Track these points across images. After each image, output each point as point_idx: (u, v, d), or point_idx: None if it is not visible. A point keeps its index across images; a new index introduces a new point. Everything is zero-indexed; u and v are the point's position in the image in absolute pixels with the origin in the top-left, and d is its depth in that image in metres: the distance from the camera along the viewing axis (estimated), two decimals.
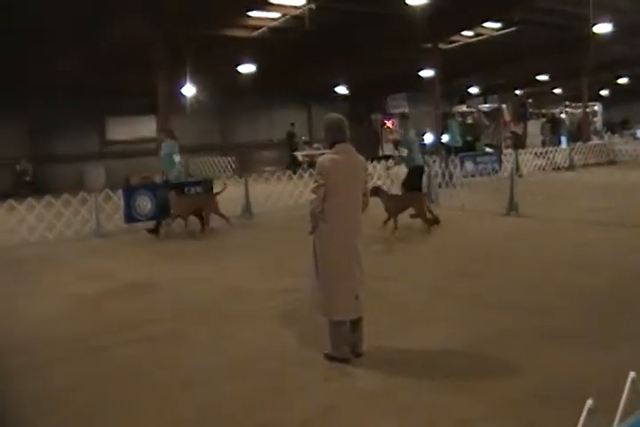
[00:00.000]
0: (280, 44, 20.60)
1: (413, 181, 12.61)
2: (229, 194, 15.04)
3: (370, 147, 28.05)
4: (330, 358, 5.35)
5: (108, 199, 13.77)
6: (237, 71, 22.59)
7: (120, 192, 13.73)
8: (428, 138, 25.98)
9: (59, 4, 14.55)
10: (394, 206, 11.35)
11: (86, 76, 20.48)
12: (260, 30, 20.10)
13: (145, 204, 13.59)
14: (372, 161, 17.21)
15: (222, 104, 29.28)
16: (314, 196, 5.29)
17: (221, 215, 12.81)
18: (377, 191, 11.30)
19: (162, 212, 12.62)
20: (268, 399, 4.74)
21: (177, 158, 12.65)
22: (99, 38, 17.61)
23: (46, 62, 19.32)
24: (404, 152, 12.53)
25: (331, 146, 5.44)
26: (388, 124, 31.45)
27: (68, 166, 25.24)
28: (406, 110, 32.13)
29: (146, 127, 26.67)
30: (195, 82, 22.60)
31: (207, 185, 14.64)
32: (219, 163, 27.46)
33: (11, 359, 5.95)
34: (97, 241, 12.49)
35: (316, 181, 5.31)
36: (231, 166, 26.94)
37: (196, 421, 4.49)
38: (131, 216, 13.41)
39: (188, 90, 23.06)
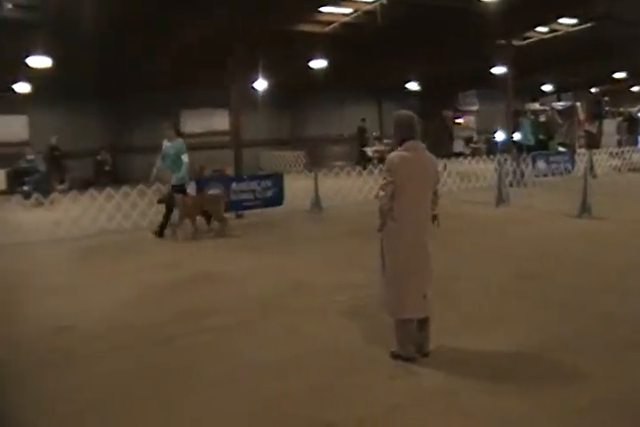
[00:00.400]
0: (352, 40, 20.50)
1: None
2: (299, 188, 15.13)
3: (440, 144, 27.73)
4: (395, 356, 5.30)
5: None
6: (309, 66, 22.61)
7: (193, 183, 13.94)
8: (500, 136, 25.50)
9: (143, 2, 14.90)
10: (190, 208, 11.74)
11: (164, 69, 20.86)
12: (331, 26, 20.06)
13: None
14: (445, 158, 17.05)
15: (293, 99, 29.38)
16: (382, 193, 5.23)
17: (222, 219, 12.13)
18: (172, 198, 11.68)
19: (166, 213, 11.95)
20: (332, 396, 4.72)
21: (185, 158, 11.72)
22: (179, 33, 17.89)
23: (128, 57, 19.79)
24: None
25: (400, 143, 5.37)
26: (459, 121, 31.04)
27: (145, 157, 25.75)
28: (477, 107, 31.70)
29: (219, 120, 27.07)
30: (267, 76, 22.78)
31: (277, 179, 14.73)
32: (289, 157, 27.62)
33: (80, 344, 6.15)
34: (169, 231, 12.71)
35: (384, 179, 5.25)
36: (301, 161, 27.03)
37: (260, 416, 4.50)
38: None
39: (260, 84, 23.25)
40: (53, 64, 17.73)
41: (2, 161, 22.46)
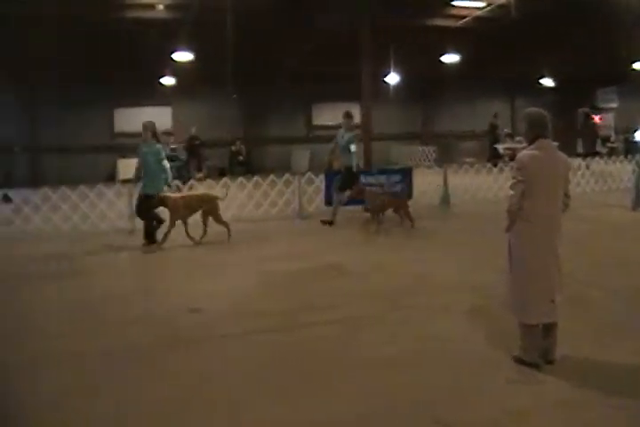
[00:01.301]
0: (484, 34, 19.98)
1: (345, 181, 12.29)
2: (428, 183, 14.92)
3: (570, 142, 26.46)
4: (518, 361, 5.09)
5: (311, 182, 14.16)
6: (440, 61, 22.26)
7: (322, 176, 14.07)
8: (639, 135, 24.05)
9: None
10: (378, 206, 11.60)
11: (296, 63, 21.17)
12: (464, 20, 19.62)
13: None
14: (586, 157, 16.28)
15: (425, 93, 29.02)
16: (511, 192, 5.02)
17: (221, 221, 10.97)
18: (362, 192, 11.71)
19: (146, 217, 10.68)
20: (449, 397, 4.60)
21: (167, 165, 10.58)
22: (311, 26, 18.10)
23: (263, 51, 20.25)
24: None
25: (531, 141, 5.14)
26: (596, 119, 29.50)
27: (277, 148, 26.38)
28: (616, 105, 29.94)
29: None
30: (398, 70, 22.60)
31: (406, 174, 14.59)
32: (418, 152, 27.32)
33: (206, 327, 6.34)
34: (298, 222, 12.92)
35: (514, 178, 5.03)
36: (431, 156, 26.68)
37: (374, 412, 4.42)
38: (331, 200, 13.67)
39: (392, 78, 23.10)
40: (195, 58, 18.42)
41: None
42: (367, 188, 12.28)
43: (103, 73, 21.22)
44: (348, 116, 12.72)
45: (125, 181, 16.76)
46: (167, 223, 10.55)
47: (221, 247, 10.53)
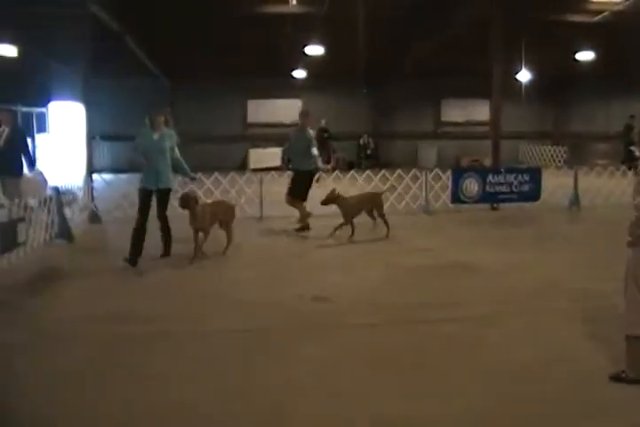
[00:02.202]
0: (624, 30, 18.87)
1: (296, 186, 11.27)
2: (558, 185, 14.38)
3: None
4: (618, 379, 4.64)
5: (438, 178, 13.99)
6: (574, 58, 21.32)
7: (449, 172, 13.89)
8: None
9: None
10: (353, 210, 10.41)
11: (427, 57, 20.91)
12: (601, 15, 18.63)
13: (472, 186, 13.55)
14: None
15: (557, 91, 27.87)
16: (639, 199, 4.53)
17: (229, 233, 9.41)
18: (335, 198, 10.39)
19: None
20: (573, 411, 4.32)
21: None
22: (444, 21, 17.81)
23: (392, 46, 20.17)
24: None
25: None
26: None
27: (404, 143, 26.24)
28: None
29: (479, 110, 26.61)
30: (530, 67, 21.85)
31: (535, 174, 14.13)
32: (549, 152, 26.36)
33: (331, 315, 6.41)
34: (424, 218, 12.81)
35: None
36: (562, 156, 25.67)
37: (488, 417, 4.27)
38: (457, 197, 13.49)
39: (524, 75, 22.37)
40: (326, 52, 18.61)
41: (278, 140, 24.18)
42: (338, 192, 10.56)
43: (238, 65, 21.82)
44: (306, 114, 11.42)
45: (256, 170, 17.30)
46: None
47: (345, 240, 10.61)
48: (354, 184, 13.94)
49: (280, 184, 14.08)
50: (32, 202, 9.72)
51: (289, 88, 24.55)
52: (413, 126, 26.60)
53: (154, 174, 8.58)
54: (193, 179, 9.78)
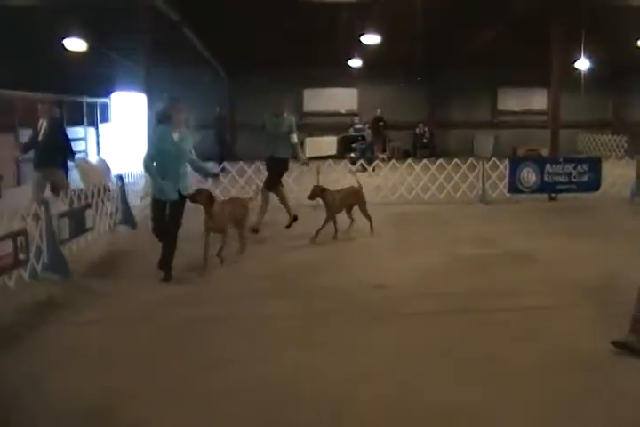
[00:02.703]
0: None
1: (271, 175, 10.38)
2: (618, 175, 14.04)
3: None
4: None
5: (495, 168, 13.82)
6: (636, 46, 20.68)
7: (506, 162, 13.71)
8: None
9: None
10: (339, 205, 9.63)
11: (484, 45, 20.57)
12: None
13: (530, 176, 13.35)
14: None
15: (616, 79, 27.04)
16: None
17: (243, 233, 8.55)
18: (322, 192, 9.51)
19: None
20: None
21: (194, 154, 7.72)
22: (501, 8, 17.49)
23: (451, 35, 19.92)
24: None
25: None
26: None
27: (460, 132, 25.94)
28: None
29: (536, 99, 26.16)
30: (590, 55, 21.28)
31: (595, 164, 13.83)
32: (609, 141, 25.69)
33: (389, 302, 6.44)
34: (481, 207, 12.69)
35: None
36: (622, 146, 24.98)
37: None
38: (514, 186, 13.31)
39: (582, 63, 21.81)
40: (382, 41, 18.50)
41: (334, 129, 24.27)
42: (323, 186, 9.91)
43: (294, 55, 21.87)
44: (288, 101, 10.59)
45: (312, 159, 17.37)
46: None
47: (407, 226, 10.59)
48: (410, 173, 13.88)
49: (337, 172, 14.19)
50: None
51: (345, 77, 24.50)
52: (469, 115, 26.26)
53: (172, 183, 7.24)
54: (216, 175, 8.90)
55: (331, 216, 9.53)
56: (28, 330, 5.72)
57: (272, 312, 6.17)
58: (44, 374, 4.73)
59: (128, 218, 10.69)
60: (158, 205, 7.40)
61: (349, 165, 15.81)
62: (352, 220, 10.13)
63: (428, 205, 12.75)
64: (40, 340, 5.48)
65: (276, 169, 10.30)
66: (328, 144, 24.18)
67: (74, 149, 11.14)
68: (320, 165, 13.37)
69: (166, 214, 7.36)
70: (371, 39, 18.64)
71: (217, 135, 21.57)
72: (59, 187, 10.07)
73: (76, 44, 17.23)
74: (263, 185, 10.49)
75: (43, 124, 10.34)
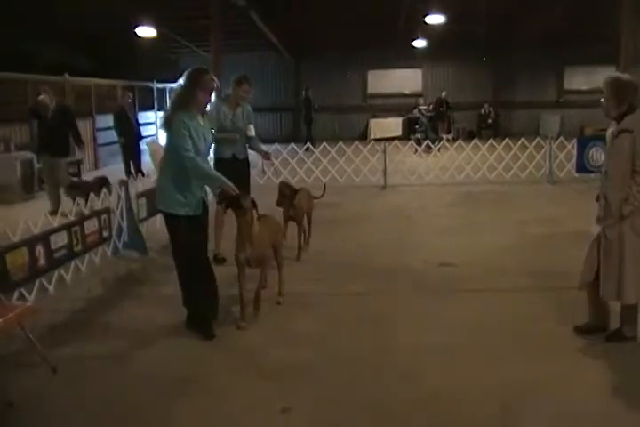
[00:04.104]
0: None
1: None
2: None
3: None
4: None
5: (562, 147, 13.52)
6: None
7: (574, 141, 13.40)
8: None
9: None
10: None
11: (550, 24, 20.01)
12: None
13: (598, 155, 12.97)
14: None
15: None
16: None
17: (280, 263, 6.12)
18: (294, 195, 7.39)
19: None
20: None
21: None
22: None
23: (516, 13, 19.48)
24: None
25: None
26: None
27: (526, 112, 25.37)
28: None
29: (602, 78, 25.29)
30: None
31: None
32: None
33: (456, 281, 6.45)
34: (548, 187, 12.47)
35: None
36: None
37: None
38: (583, 166, 13.00)
39: None
40: (446, 21, 18.22)
41: (400, 111, 24.14)
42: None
43: (358, 37, 21.75)
44: (239, 82, 7.04)
45: (376, 140, 17.38)
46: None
47: (474, 206, 10.53)
48: (476, 153, 13.74)
49: (403, 154, 14.19)
50: None
51: (409, 58, 24.24)
52: (535, 95, 25.61)
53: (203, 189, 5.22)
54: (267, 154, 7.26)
55: (302, 223, 7.50)
56: (111, 303, 6.01)
57: (343, 291, 6.26)
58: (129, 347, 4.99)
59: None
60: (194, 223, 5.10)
61: (415, 146, 15.76)
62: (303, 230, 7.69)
63: (494, 184, 12.62)
64: (124, 313, 5.75)
65: (246, 175, 7.34)
66: (393, 125, 24.08)
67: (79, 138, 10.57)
68: (385, 145, 13.35)
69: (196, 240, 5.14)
70: (435, 19, 18.40)
71: (305, 117, 22.03)
72: (59, 179, 10.16)
73: (146, 31, 17.58)
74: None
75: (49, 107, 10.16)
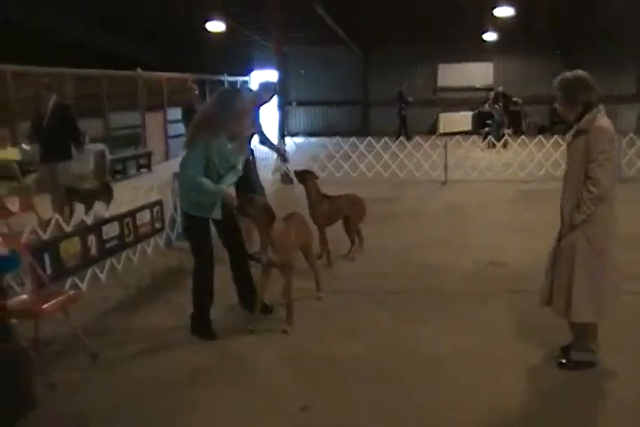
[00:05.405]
0: None
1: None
2: None
3: None
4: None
5: (632, 144, 12.96)
6: None
7: None
8: None
9: None
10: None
11: (627, 14, 19.18)
12: None
13: None
14: None
15: None
16: (602, 171, 4.03)
17: (316, 271, 5.93)
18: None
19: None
20: None
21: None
22: None
23: (587, 3, 18.82)
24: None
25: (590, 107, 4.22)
26: None
27: (601, 106, 24.45)
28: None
29: None
30: None
31: None
32: None
33: (501, 281, 6.28)
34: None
35: (604, 152, 4.04)
36: None
37: None
38: None
39: None
40: (516, 13, 17.77)
41: (470, 104, 23.70)
42: None
43: (428, 30, 21.44)
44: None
45: (446, 134, 17.16)
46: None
47: (535, 203, 10.22)
48: (540, 150, 13.31)
49: (465, 149, 13.93)
50: None
51: (480, 51, 23.73)
52: (611, 88, 24.60)
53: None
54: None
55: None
56: (158, 295, 6.16)
57: (384, 288, 6.20)
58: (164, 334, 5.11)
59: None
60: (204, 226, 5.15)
61: (481, 141, 15.48)
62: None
63: (558, 181, 12.14)
64: (166, 304, 5.88)
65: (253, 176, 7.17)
66: (462, 119, 23.67)
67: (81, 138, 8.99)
68: (447, 140, 13.11)
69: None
70: (504, 11, 17.95)
71: (398, 111, 21.92)
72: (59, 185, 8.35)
73: (216, 26, 17.83)
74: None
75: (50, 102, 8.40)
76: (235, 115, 4.91)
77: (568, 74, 4.35)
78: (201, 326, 5.10)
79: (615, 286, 4.27)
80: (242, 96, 5.03)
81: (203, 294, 5.12)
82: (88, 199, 8.19)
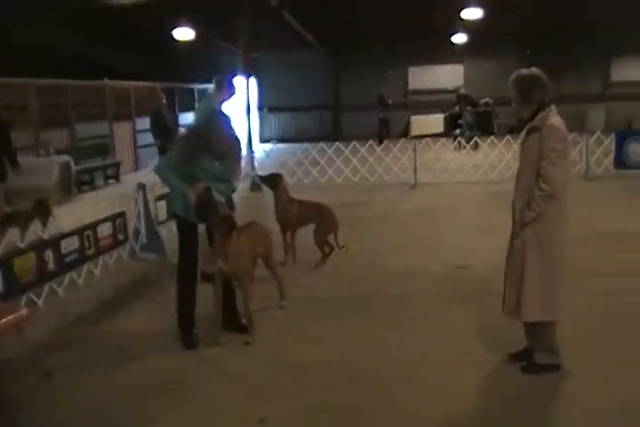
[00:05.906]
0: None
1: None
2: None
3: None
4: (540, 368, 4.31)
5: (600, 143, 13.04)
6: None
7: (612, 136, 12.89)
8: None
9: None
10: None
11: (593, 15, 19.39)
12: None
13: (638, 150, 12.52)
14: None
15: None
16: (553, 168, 3.98)
17: (276, 274, 5.83)
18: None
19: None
20: None
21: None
22: None
23: (554, 4, 18.98)
24: None
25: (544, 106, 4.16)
26: None
27: (571, 106, 24.58)
28: None
29: None
30: None
31: None
32: None
33: (466, 283, 6.23)
34: (582, 184, 12.02)
35: (555, 150, 4.00)
36: None
37: None
38: (621, 162, 12.54)
39: None
40: (484, 15, 17.85)
41: (441, 107, 23.76)
42: None
43: (397, 34, 21.49)
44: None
45: (416, 137, 17.17)
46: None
47: (501, 205, 10.21)
48: (509, 150, 13.34)
49: (435, 151, 13.93)
50: None
51: (450, 53, 23.82)
52: (580, 88, 24.85)
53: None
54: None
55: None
56: (120, 306, 6.02)
57: (354, 293, 6.15)
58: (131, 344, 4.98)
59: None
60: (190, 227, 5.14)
61: (452, 143, 15.51)
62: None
63: None
64: (131, 315, 5.75)
65: None
66: (434, 122, 23.71)
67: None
68: (416, 143, 13.11)
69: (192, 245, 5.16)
70: (472, 13, 18.01)
71: (378, 114, 22.18)
72: None
73: (184, 33, 17.65)
74: None
75: None
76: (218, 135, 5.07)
77: (523, 71, 4.29)
78: (182, 330, 5.08)
79: (567, 285, 4.21)
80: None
81: (184, 299, 5.10)
82: (20, 222, 7.57)
